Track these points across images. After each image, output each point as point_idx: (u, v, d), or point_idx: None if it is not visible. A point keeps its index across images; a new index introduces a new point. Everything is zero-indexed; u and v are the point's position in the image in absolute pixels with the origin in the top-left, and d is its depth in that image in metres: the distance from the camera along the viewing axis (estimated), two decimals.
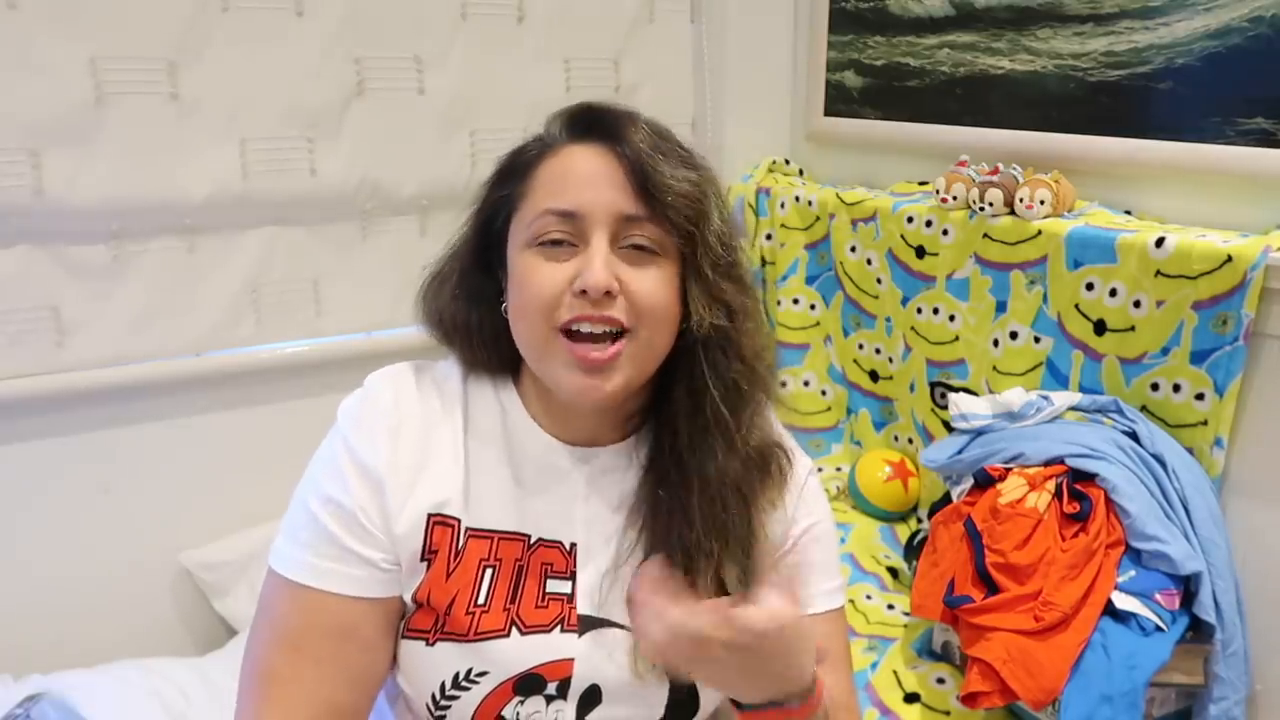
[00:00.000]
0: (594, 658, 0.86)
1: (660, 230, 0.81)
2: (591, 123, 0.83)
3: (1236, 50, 1.28)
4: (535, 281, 0.80)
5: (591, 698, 0.86)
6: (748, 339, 0.86)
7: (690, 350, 0.84)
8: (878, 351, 1.75)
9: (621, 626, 0.87)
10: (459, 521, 0.85)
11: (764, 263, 1.87)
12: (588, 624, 0.86)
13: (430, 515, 0.84)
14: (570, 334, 0.80)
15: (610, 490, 0.90)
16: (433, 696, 0.84)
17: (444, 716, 0.84)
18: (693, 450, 0.85)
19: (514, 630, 0.85)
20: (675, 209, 0.80)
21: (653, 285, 0.81)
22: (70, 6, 1.36)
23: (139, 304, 1.50)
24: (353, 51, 1.57)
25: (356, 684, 0.83)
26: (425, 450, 0.86)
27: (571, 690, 0.86)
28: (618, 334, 0.80)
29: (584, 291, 0.78)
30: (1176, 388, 1.29)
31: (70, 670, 1.40)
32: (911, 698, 1.25)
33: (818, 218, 1.78)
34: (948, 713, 1.23)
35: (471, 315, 0.88)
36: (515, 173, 0.86)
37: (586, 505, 0.89)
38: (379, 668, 0.85)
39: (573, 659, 0.85)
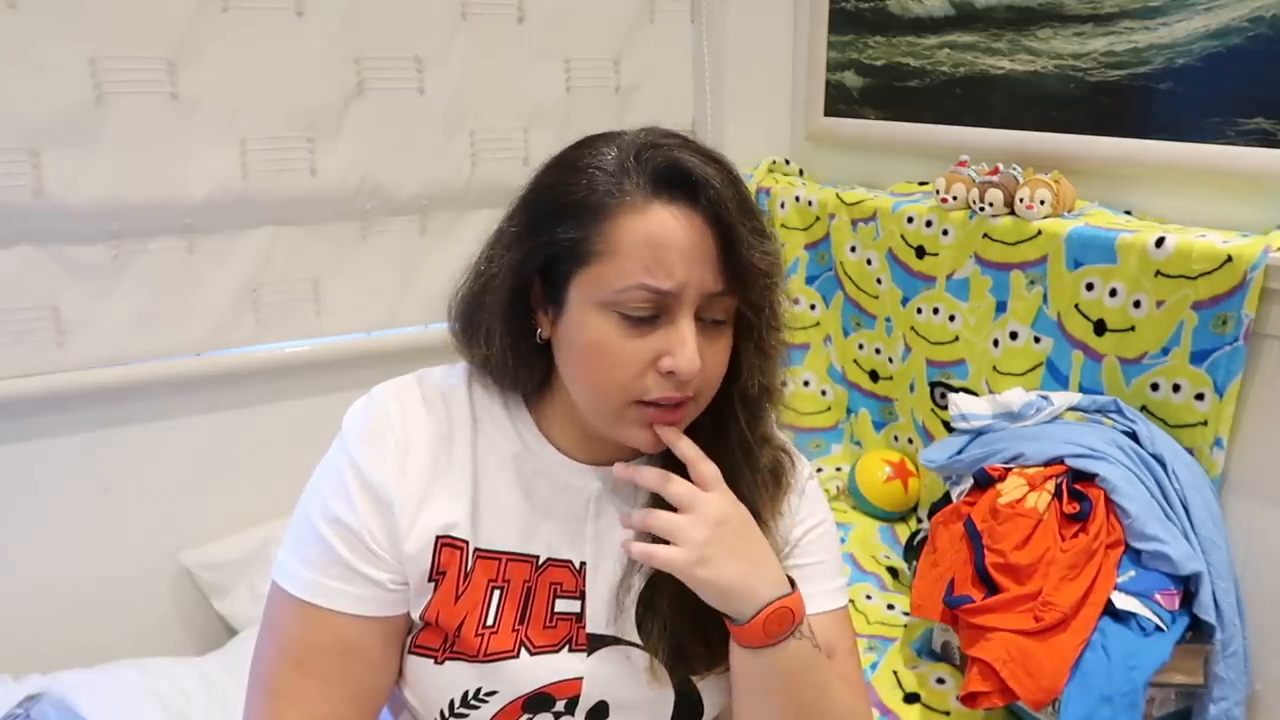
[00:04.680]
0: (602, 676, 0.86)
1: (733, 300, 0.80)
2: (679, 179, 0.78)
3: (1236, 50, 1.28)
4: (618, 357, 0.78)
5: (599, 712, 0.86)
6: (775, 371, 0.86)
7: (725, 391, 0.84)
8: (878, 351, 1.75)
9: (631, 644, 0.87)
10: (467, 543, 0.84)
11: None
12: (596, 643, 0.86)
13: (439, 537, 0.83)
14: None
15: (620, 506, 0.89)
16: (441, 714, 0.84)
17: None
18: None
19: (523, 651, 0.84)
20: (754, 287, 0.78)
21: (722, 359, 0.81)
22: (70, 6, 1.36)
23: (139, 304, 1.50)
24: (353, 51, 1.57)
25: (360, 701, 0.83)
26: (433, 470, 0.84)
27: (580, 707, 0.85)
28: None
29: (671, 372, 0.77)
30: (1176, 388, 1.29)
31: (70, 670, 1.40)
32: (911, 698, 1.25)
33: (818, 218, 1.78)
34: (948, 713, 1.22)
35: (508, 337, 0.85)
36: (588, 215, 0.78)
37: (596, 523, 0.88)
38: (383, 685, 0.85)
39: (581, 678, 0.85)
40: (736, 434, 0.85)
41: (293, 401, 1.65)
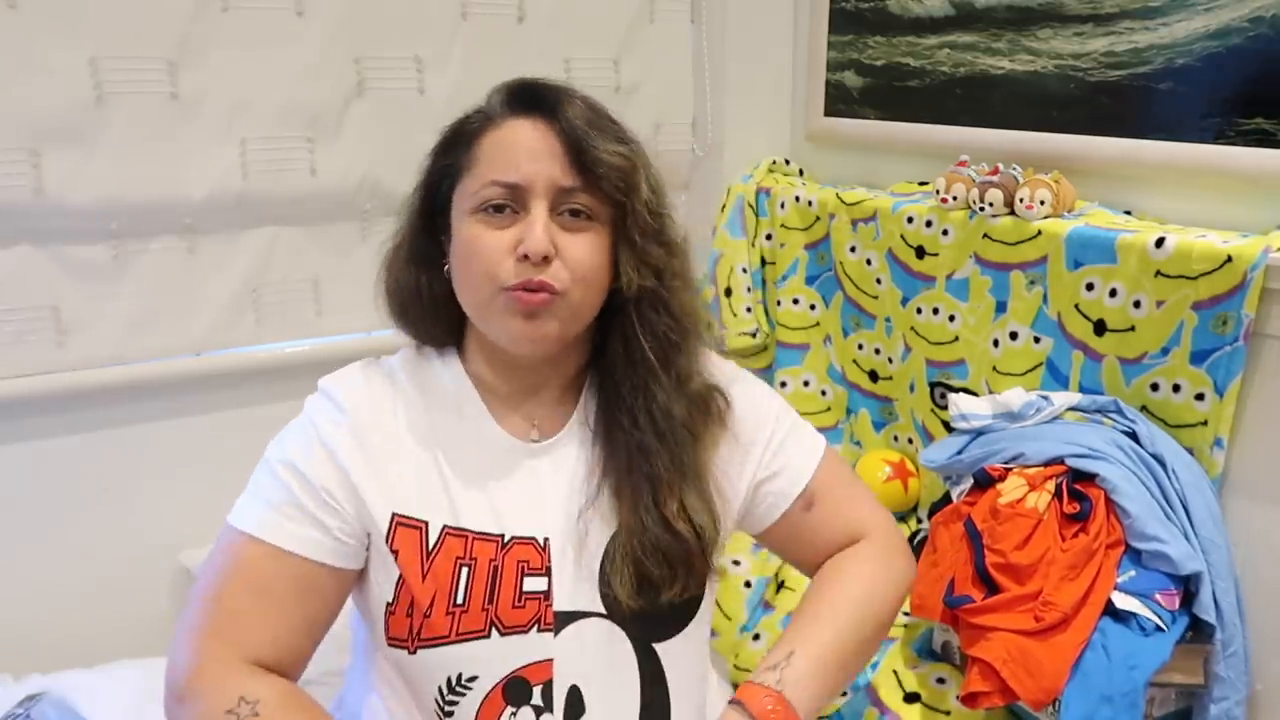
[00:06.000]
0: (570, 655, 0.89)
1: (594, 199, 0.88)
2: (532, 97, 0.90)
3: (1236, 50, 1.28)
4: (480, 248, 0.87)
5: (575, 701, 0.89)
6: (675, 297, 0.93)
7: (623, 308, 0.92)
8: (877, 352, 1.75)
9: (594, 614, 0.91)
10: (426, 523, 0.89)
11: (764, 263, 1.87)
12: (563, 620, 0.90)
13: (395, 515, 0.89)
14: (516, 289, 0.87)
15: (574, 469, 0.95)
16: (436, 701, 0.88)
17: (451, 714, 0.88)
18: (636, 395, 0.93)
19: (494, 631, 0.88)
20: (608, 180, 0.87)
21: (586, 250, 0.88)
22: (70, 6, 1.36)
23: (139, 304, 1.50)
24: (353, 51, 1.57)
25: (303, 630, 0.89)
26: (385, 451, 0.91)
27: (555, 696, 0.88)
28: (554, 293, 0.87)
29: (525, 256, 0.85)
30: (1176, 388, 1.29)
31: (70, 670, 1.40)
32: (911, 698, 1.25)
33: (818, 218, 1.78)
34: (948, 713, 1.23)
35: (420, 278, 0.95)
36: (459, 143, 0.93)
37: (555, 491, 0.93)
38: (328, 620, 0.91)
39: (551, 659, 0.88)
40: (643, 356, 0.92)
41: (292, 401, 1.62)
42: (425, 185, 0.96)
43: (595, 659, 0.90)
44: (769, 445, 1.02)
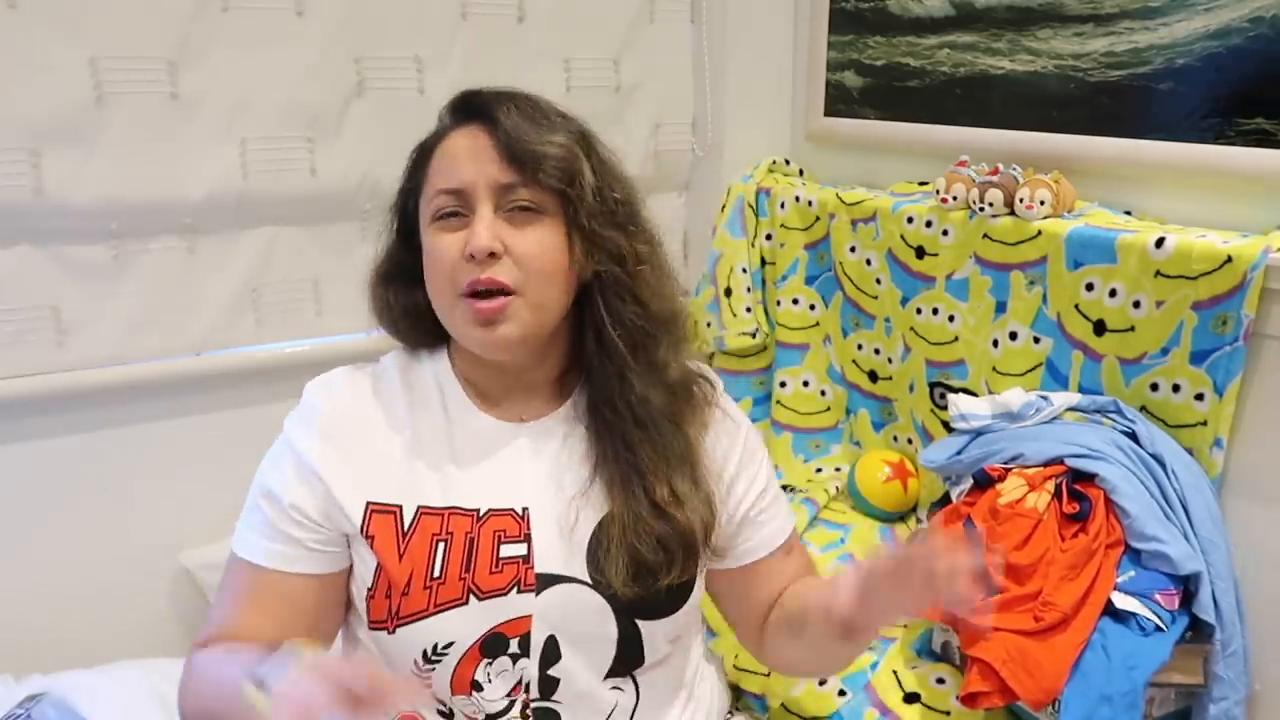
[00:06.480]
0: (550, 613, 0.91)
1: (537, 192, 0.89)
2: (470, 107, 0.93)
3: (1236, 50, 1.28)
4: (438, 254, 0.90)
5: (551, 651, 0.92)
6: (642, 283, 0.94)
7: (590, 299, 0.93)
8: (877, 352, 1.75)
9: (581, 581, 0.92)
10: (400, 508, 0.92)
11: (764, 263, 1.87)
12: (545, 581, 0.92)
13: (369, 503, 0.92)
14: (472, 295, 0.88)
15: (558, 452, 0.96)
16: (414, 674, 0.92)
17: (429, 680, 0.91)
18: (613, 385, 0.94)
19: (471, 597, 0.90)
20: (546, 171, 0.88)
21: (535, 243, 0.89)
22: (70, 6, 1.36)
23: (139, 304, 1.50)
24: (353, 51, 1.57)
25: (302, 634, 0.90)
26: (362, 444, 0.94)
27: (532, 646, 0.91)
28: (508, 293, 0.88)
29: (472, 255, 0.87)
30: (1176, 388, 1.29)
31: (70, 670, 1.40)
32: (911, 698, 1.25)
33: (818, 218, 1.78)
34: (948, 713, 1.23)
35: (392, 296, 0.98)
36: (419, 164, 0.96)
37: (535, 468, 0.95)
38: (323, 628, 0.95)
39: (530, 615, 0.91)
40: (615, 346, 0.93)
41: (292, 401, 1.63)
42: (397, 209, 0.99)
43: (578, 617, 0.92)
44: (765, 493, 1.04)
